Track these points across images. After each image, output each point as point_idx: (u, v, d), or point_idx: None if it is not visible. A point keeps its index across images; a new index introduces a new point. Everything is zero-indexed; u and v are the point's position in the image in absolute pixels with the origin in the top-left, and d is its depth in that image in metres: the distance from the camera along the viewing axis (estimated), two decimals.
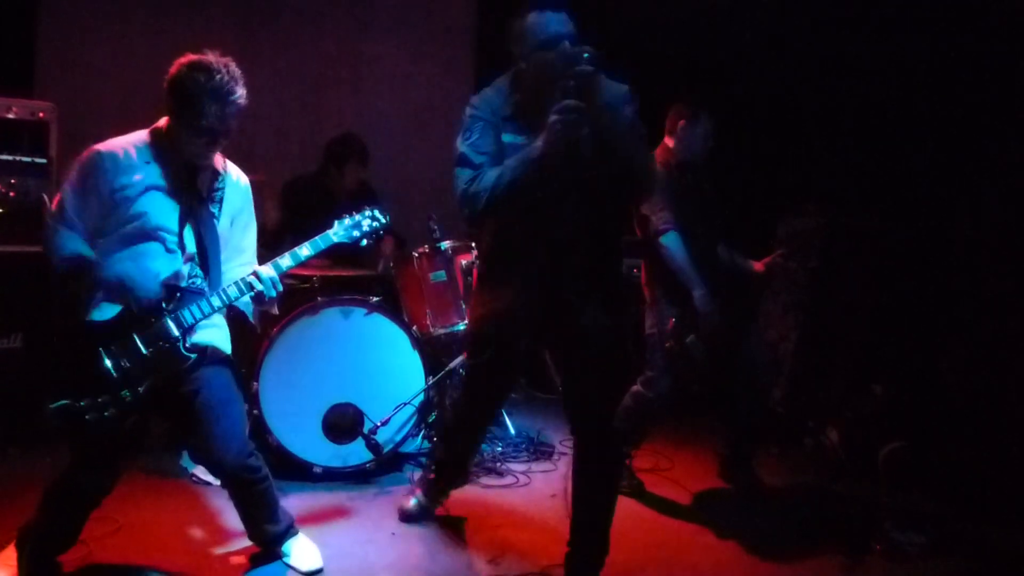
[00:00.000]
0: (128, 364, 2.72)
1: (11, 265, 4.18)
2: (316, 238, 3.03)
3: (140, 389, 2.73)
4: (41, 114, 4.34)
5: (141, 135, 2.88)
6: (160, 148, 2.85)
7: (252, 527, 3.20)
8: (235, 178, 3.05)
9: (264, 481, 3.09)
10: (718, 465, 4.38)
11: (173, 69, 2.76)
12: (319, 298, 4.20)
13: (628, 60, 3.07)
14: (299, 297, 4.31)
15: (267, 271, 2.91)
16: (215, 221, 2.94)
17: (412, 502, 3.70)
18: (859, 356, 5.17)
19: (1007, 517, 3.98)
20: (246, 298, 2.93)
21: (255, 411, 3.99)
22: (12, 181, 4.23)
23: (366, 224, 3.13)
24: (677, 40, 5.69)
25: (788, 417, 5.18)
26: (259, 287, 2.88)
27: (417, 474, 4.17)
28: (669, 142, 4.11)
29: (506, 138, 2.86)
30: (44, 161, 4.32)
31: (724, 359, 4.05)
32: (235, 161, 3.12)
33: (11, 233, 4.21)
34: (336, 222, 3.11)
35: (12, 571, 2.91)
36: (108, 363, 2.71)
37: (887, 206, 5.13)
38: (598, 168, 2.76)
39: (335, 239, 3.07)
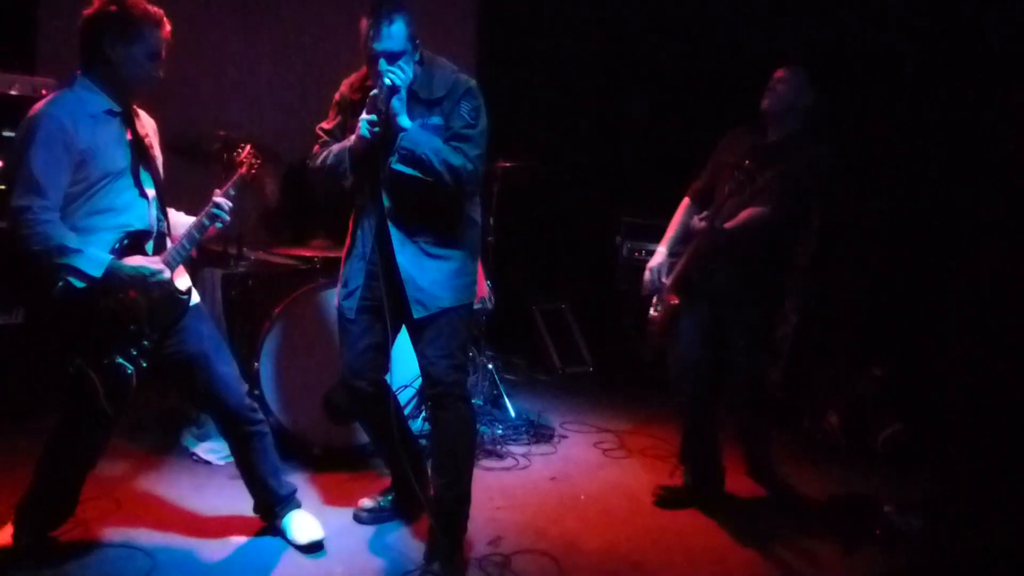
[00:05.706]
0: (136, 314, 2.79)
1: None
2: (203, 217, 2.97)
3: (155, 336, 2.84)
4: (43, 91, 4.29)
5: (73, 94, 2.86)
6: (93, 101, 2.84)
7: (256, 487, 3.24)
8: (147, 118, 3.07)
9: (265, 426, 3.20)
10: (744, 464, 4.15)
11: (86, 11, 2.86)
12: (320, 279, 4.20)
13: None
14: (300, 278, 4.31)
15: (223, 199, 2.96)
16: (158, 163, 2.99)
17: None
18: (858, 339, 5.17)
19: (1006, 501, 3.98)
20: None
21: (256, 391, 3.99)
22: None
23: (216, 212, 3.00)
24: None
25: (787, 400, 5.19)
26: (225, 216, 2.96)
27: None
28: None
29: (353, 117, 3.02)
30: None
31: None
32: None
33: None
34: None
35: (8, 545, 2.93)
36: (121, 316, 2.76)
37: (886, 188, 5.10)
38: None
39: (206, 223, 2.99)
